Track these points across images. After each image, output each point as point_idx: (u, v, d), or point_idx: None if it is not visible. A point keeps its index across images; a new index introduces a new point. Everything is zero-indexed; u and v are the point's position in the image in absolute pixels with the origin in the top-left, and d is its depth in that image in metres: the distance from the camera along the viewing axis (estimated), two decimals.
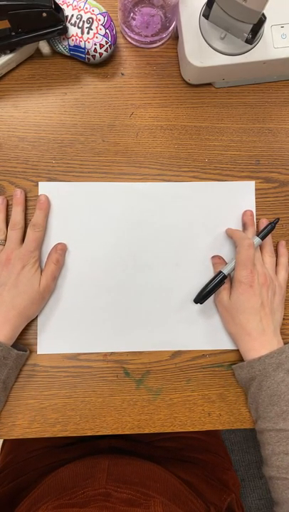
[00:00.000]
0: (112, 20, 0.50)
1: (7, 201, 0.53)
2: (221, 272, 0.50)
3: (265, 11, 0.44)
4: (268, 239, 0.53)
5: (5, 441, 0.72)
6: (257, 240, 0.51)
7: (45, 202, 0.52)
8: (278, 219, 0.52)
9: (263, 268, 0.50)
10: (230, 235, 0.52)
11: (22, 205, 0.52)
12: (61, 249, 0.52)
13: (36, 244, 0.50)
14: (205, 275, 0.53)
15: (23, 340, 0.52)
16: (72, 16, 0.49)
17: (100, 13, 0.49)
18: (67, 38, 0.50)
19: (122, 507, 0.44)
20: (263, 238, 0.51)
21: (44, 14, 0.46)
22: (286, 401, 0.45)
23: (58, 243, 0.52)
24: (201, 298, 0.51)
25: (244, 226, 0.53)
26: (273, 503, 0.47)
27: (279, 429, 0.45)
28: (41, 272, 0.51)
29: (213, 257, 0.53)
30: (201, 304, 0.51)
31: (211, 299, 0.53)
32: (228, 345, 0.53)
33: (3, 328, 0.47)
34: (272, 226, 0.51)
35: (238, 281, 0.48)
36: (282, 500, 0.45)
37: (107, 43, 0.50)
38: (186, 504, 0.50)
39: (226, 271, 0.50)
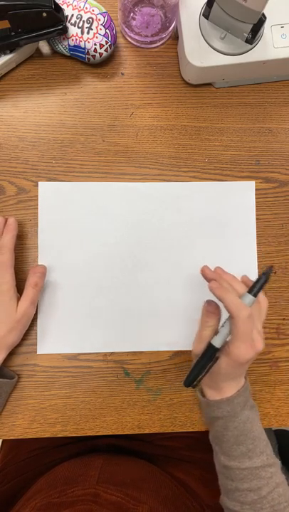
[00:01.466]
0: (112, 20, 0.50)
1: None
2: (211, 345, 0.43)
3: (265, 11, 0.44)
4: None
5: (4, 440, 0.72)
6: (250, 299, 0.41)
7: (13, 224, 0.49)
8: (271, 268, 0.42)
9: (260, 336, 0.43)
10: (220, 298, 0.41)
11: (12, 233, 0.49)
12: (40, 272, 0.49)
13: (5, 268, 0.47)
14: None
15: (23, 341, 0.52)
16: (72, 15, 0.49)
17: (100, 13, 0.49)
18: (67, 38, 0.50)
19: (108, 510, 0.43)
20: (256, 295, 0.42)
21: (44, 14, 0.46)
22: (251, 439, 0.44)
23: (37, 265, 0.51)
24: (191, 381, 0.43)
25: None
26: None
27: (244, 467, 0.44)
28: (18, 296, 0.48)
29: (208, 304, 0.45)
30: (193, 387, 0.44)
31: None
32: None
33: None
34: (265, 278, 0.41)
35: (232, 354, 0.41)
36: None
37: (107, 42, 0.50)
38: (180, 508, 0.50)
39: (217, 343, 0.42)
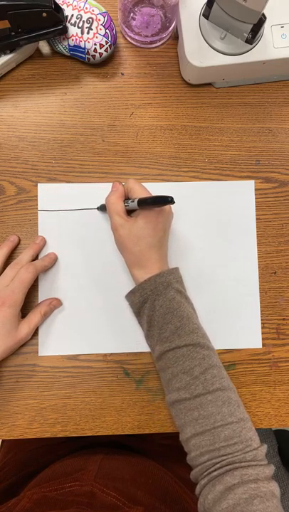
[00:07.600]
0: (112, 20, 0.50)
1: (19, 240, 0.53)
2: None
3: (265, 11, 0.44)
4: None
5: (4, 439, 0.72)
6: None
7: (53, 257, 0.52)
8: None
9: None
10: None
11: (36, 251, 0.52)
12: (54, 306, 0.51)
13: (23, 286, 0.48)
14: (205, 275, 0.53)
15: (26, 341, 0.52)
16: (72, 15, 0.49)
17: (99, 13, 0.49)
18: (67, 38, 0.50)
19: None
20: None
21: (44, 14, 0.46)
22: (179, 317, 0.45)
23: (54, 298, 0.52)
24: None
25: None
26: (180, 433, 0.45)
27: (175, 347, 0.44)
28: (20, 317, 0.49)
29: None
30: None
31: (213, 300, 0.53)
32: (228, 345, 0.53)
33: None
34: None
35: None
36: (185, 422, 0.43)
37: (107, 43, 0.50)
38: (179, 503, 0.50)
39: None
